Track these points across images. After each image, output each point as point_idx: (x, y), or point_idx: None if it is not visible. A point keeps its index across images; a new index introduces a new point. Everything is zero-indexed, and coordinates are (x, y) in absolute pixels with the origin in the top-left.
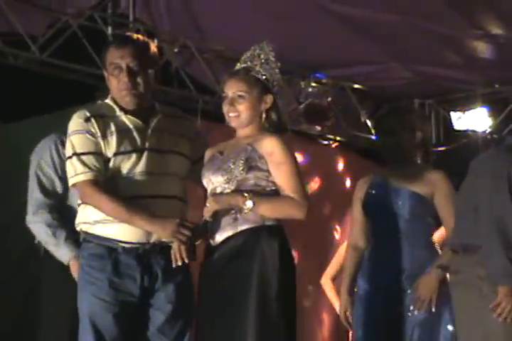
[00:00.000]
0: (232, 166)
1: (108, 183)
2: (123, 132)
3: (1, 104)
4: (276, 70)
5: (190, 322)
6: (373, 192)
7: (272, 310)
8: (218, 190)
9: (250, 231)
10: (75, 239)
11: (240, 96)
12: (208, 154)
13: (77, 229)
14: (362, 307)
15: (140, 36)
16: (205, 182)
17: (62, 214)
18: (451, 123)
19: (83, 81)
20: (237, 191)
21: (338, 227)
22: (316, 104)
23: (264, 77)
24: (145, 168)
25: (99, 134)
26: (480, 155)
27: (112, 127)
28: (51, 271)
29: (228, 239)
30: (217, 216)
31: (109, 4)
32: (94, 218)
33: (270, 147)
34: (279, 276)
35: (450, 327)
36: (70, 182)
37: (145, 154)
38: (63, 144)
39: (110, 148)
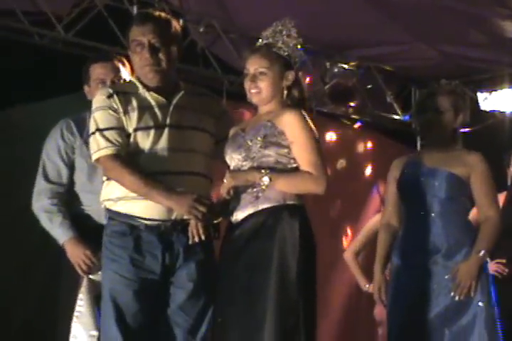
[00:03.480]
0: (250, 143)
1: (130, 158)
2: (144, 108)
3: (25, 83)
4: (299, 46)
5: (211, 300)
6: (409, 171)
7: (292, 289)
8: (237, 167)
9: (271, 210)
10: (72, 222)
11: (261, 72)
12: (231, 132)
13: (102, 206)
14: (396, 284)
15: (162, 13)
16: (227, 159)
17: (67, 199)
18: (478, 103)
19: None
20: (257, 166)
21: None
22: (341, 84)
23: (285, 53)
24: (167, 144)
25: (121, 110)
26: None
27: (134, 103)
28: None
29: (249, 217)
30: (238, 194)
31: None
32: (116, 195)
33: (289, 122)
34: (299, 256)
35: (481, 304)
36: (93, 157)
37: (166, 130)
38: (69, 129)
39: (132, 123)
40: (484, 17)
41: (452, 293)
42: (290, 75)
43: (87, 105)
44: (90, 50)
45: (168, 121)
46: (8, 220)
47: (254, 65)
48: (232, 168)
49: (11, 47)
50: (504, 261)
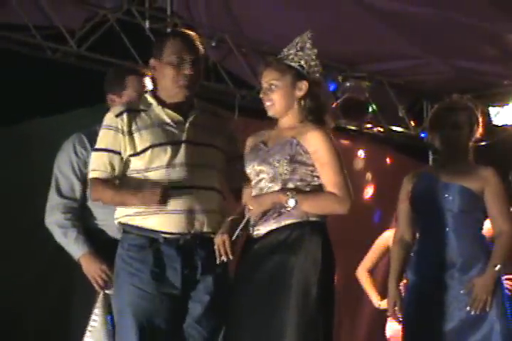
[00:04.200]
0: (277, 164)
1: (146, 175)
2: (159, 125)
3: (38, 97)
4: (313, 57)
5: (227, 314)
6: (423, 185)
7: (313, 306)
8: (262, 185)
9: (294, 226)
10: (87, 237)
11: (272, 84)
12: (250, 142)
13: (115, 222)
14: (410, 299)
15: (193, 32)
16: (248, 171)
17: (80, 214)
18: (490, 118)
19: None
20: (282, 188)
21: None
22: (353, 98)
23: (297, 64)
24: (184, 160)
25: (126, 130)
26: None
27: (147, 121)
28: (81, 270)
29: (271, 232)
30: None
31: None
32: (134, 210)
33: (314, 143)
34: (320, 272)
35: (496, 318)
36: (88, 175)
37: (183, 146)
38: (81, 143)
39: (144, 141)
40: (496, 32)
41: (468, 308)
42: (303, 85)
43: (101, 118)
44: (102, 64)
45: (184, 137)
46: (22, 233)
47: (266, 78)
48: (253, 181)
49: (25, 62)
50: None
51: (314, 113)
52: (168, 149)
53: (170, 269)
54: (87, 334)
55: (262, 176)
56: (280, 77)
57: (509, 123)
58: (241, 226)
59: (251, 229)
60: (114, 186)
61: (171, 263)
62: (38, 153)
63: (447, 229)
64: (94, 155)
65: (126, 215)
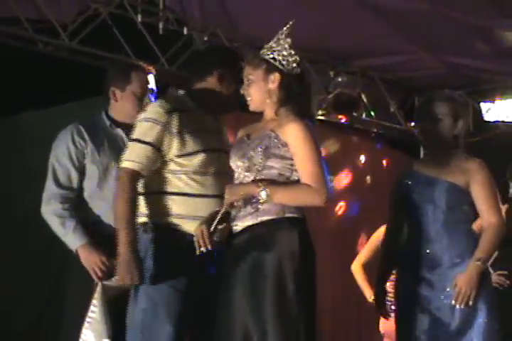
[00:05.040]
0: (252, 154)
1: (193, 177)
2: (205, 130)
3: (30, 91)
4: (286, 46)
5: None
6: (409, 182)
7: (291, 301)
8: (241, 177)
9: (270, 223)
10: (85, 228)
11: (248, 79)
12: (239, 135)
13: (146, 220)
14: (401, 295)
15: None
16: (232, 165)
17: (77, 204)
18: (482, 114)
19: None
20: (255, 180)
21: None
22: (345, 93)
23: (270, 57)
24: (222, 168)
25: (175, 129)
26: None
27: (195, 123)
28: (75, 260)
29: (248, 228)
30: (240, 203)
31: None
32: (168, 211)
33: (291, 136)
34: (299, 266)
35: (483, 320)
36: (121, 162)
37: (222, 154)
38: (79, 134)
39: (193, 144)
40: (488, 28)
41: (453, 302)
42: (274, 77)
43: (92, 112)
44: (94, 58)
45: (219, 144)
46: (15, 225)
47: (244, 74)
48: (235, 176)
49: (16, 55)
50: (506, 272)
51: (288, 104)
52: (216, 155)
53: (199, 268)
54: (86, 325)
55: (239, 166)
56: (253, 72)
57: (501, 120)
58: (218, 218)
59: (231, 223)
60: (133, 201)
61: (200, 262)
62: (31, 145)
63: (437, 225)
64: (135, 146)
65: (160, 215)
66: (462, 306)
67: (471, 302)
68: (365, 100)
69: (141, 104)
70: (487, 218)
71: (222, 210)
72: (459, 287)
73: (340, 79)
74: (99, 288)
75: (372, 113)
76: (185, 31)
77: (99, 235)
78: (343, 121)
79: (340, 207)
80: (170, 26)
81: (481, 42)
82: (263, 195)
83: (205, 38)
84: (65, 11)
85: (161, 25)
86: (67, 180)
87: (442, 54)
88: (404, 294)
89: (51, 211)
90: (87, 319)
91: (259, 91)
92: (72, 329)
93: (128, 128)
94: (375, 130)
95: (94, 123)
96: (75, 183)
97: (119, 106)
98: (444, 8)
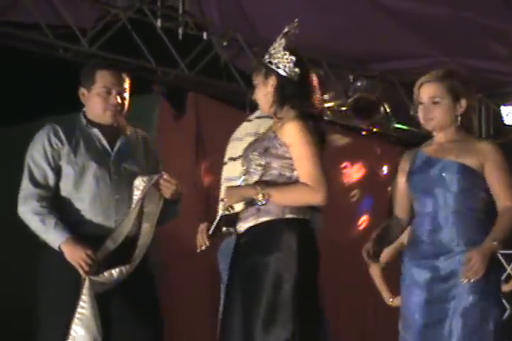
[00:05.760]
0: (251, 156)
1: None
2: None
3: (52, 96)
4: (280, 48)
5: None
6: (419, 164)
7: (286, 300)
8: (242, 179)
9: (270, 224)
10: (66, 225)
11: (254, 84)
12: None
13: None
14: (408, 281)
15: None
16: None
17: (55, 204)
18: (502, 118)
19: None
20: (254, 182)
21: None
22: (364, 98)
23: (267, 61)
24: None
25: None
26: None
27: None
28: (50, 259)
29: (250, 229)
30: (244, 204)
31: None
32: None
33: (289, 135)
34: (297, 267)
35: (470, 297)
36: None
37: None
38: (56, 135)
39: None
40: (507, 30)
41: (461, 279)
42: (271, 80)
43: None
44: (115, 63)
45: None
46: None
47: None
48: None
49: (36, 60)
50: None
51: (286, 105)
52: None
53: None
54: (76, 322)
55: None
56: (256, 77)
57: None
58: (216, 221)
59: (236, 225)
60: None
61: None
62: None
63: (446, 211)
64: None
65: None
66: (472, 280)
67: (478, 276)
68: (384, 104)
69: (108, 104)
70: (503, 201)
71: (221, 213)
72: (472, 261)
73: (359, 84)
74: (87, 284)
75: (392, 117)
76: (204, 36)
77: (78, 235)
78: (364, 129)
79: (364, 221)
80: (189, 31)
81: (499, 46)
82: (260, 197)
83: (225, 43)
84: (84, 16)
85: (180, 30)
86: (43, 179)
87: (462, 57)
88: (409, 283)
89: (29, 210)
90: (77, 315)
91: (264, 96)
92: (47, 330)
93: (102, 128)
94: (395, 134)
95: (72, 123)
96: (51, 183)
97: (88, 106)
98: (464, 12)
